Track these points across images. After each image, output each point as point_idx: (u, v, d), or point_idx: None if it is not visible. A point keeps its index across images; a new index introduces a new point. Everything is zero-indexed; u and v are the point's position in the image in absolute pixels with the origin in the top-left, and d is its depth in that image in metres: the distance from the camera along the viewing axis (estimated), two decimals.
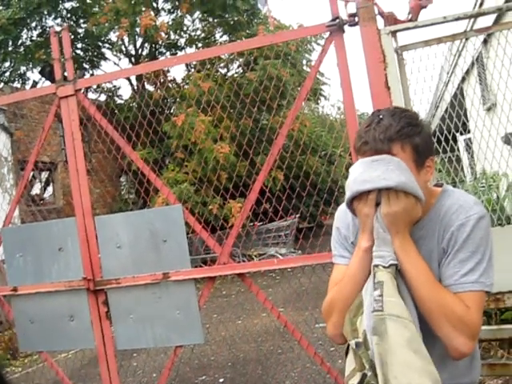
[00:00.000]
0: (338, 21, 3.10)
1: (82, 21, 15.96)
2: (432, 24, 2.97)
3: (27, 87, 15.57)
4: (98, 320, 3.65)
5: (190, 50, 16.44)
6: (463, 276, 1.52)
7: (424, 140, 1.56)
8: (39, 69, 15.12)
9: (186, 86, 14.91)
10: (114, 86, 16.81)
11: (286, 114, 10.91)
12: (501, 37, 3.13)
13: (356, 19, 3.08)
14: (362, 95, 3.61)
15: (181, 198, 10.78)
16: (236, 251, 11.50)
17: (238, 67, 16.24)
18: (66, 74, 3.76)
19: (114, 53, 16.80)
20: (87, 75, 15.89)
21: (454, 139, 3.79)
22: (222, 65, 15.95)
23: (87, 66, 16.87)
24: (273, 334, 6.62)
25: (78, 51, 16.19)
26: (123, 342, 3.66)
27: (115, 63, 17.28)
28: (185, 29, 16.23)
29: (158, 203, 10.44)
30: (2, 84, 15.18)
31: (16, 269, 3.86)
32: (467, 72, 9.57)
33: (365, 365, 1.51)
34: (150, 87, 15.78)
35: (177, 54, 16.20)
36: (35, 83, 15.80)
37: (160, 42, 15.48)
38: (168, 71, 15.22)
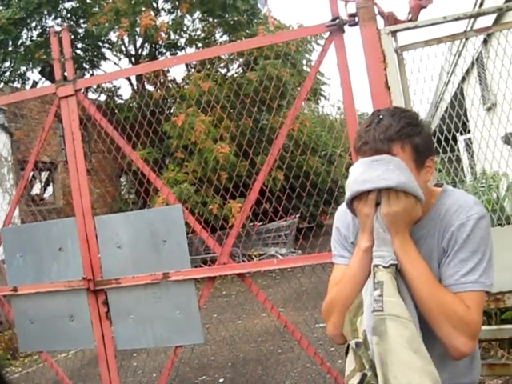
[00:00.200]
0: (337, 21, 3.10)
1: (81, 21, 15.97)
2: (432, 24, 2.97)
3: (27, 87, 15.57)
4: (98, 320, 3.65)
5: (189, 50, 16.45)
6: (463, 276, 1.52)
7: (424, 140, 1.56)
8: (39, 69, 15.11)
9: (186, 86, 14.90)
10: (114, 86, 16.82)
11: (285, 113, 10.92)
12: (501, 37, 3.13)
13: (356, 19, 3.08)
14: (362, 95, 3.62)
15: (181, 198, 10.79)
16: (236, 251, 11.49)
17: (238, 67, 16.26)
18: (65, 74, 3.76)
19: (114, 53, 16.81)
20: (87, 75, 15.89)
21: (454, 139, 3.79)
22: (222, 65, 15.96)
23: (87, 66, 16.88)
24: (273, 334, 6.61)
25: (78, 51, 16.20)
26: (123, 341, 3.66)
27: (115, 63, 17.32)
28: (185, 29, 16.22)
29: (158, 203, 10.44)
30: (2, 84, 15.18)
31: (16, 269, 3.86)
32: (467, 72, 9.56)
33: (365, 365, 1.51)
34: (150, 87, 15.79)
35: (177, 54, 16.21)
36: (35, 83, 15.80)
37: (160, 42, 15.48)
38: (168, 71, 15.22)
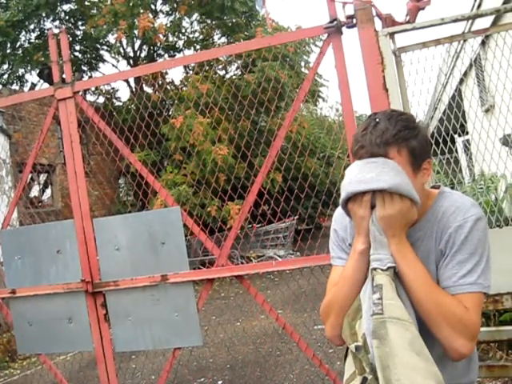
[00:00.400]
0: (335, 23, 3.10)
1: (80, 23, 15.97)
2: (430, 26, 2.97)
3: (25, 89, 15.54)
4: (97, 322, 3.65)
5: (188, 52, 16.47)
6: (462, 277, 1.52)
7: (420, 143, 1.56)
8: (37, 71, 15.11)
9: (184, 88, 14.91)
10: (113, 88, 16.82)
11: (284, 115, 10.91)
12: (499, 38, 3.13)
13: (354, 21, 3.08)
14: (360, 97, 3.62)
15: (179, 200, 10.77)
16: (234, 253, 11.49)
17: (237, 69, 16.24)
18: (64, 76, 3.76)
19: (113, 55, 16.81)
20: (85, 77, 15.91)
21: (453, 141, 3.80)
22: (220, 67, 15.94)
23: (85, 68, 16.87)
24: (271, 336, 6.61)
25: (77, 53, 16.21)
26: (122, 344, 3.66)
27: (113, 65, 17.32)
28: (183, 31, 16.23)
29: (156, 205, 10.44)
30: (1, 86, 15.17)
31: (14, 271, 3.85)
32: (465, 74, 9.58)
33: (365, 368, 1.50)
34: (148, 89, 15.80)
35: (175, 56, 16.20)
36: (33, 85, 15.80)
37: (158, 44, 15.46)
38: (166, 73, 15.23)
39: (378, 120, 1.56)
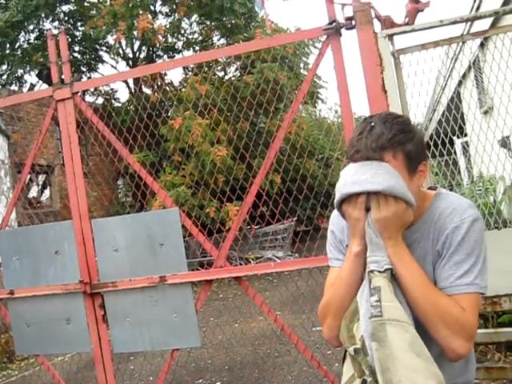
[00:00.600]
0: (334, 24, 3.11)
1: (79, 24, 15.98)
2: (429, 27, 2.98)
3: (24, 90, 15.54)
4: (95, 323, 3.65)
5: (187, 53, 16.46)
6: (458, 278, 1.52)
7: (416, 146, 1.56)
8: (36, 72, 15.11)
9: (183, 89, 14.91)
10: (112, 89, 16.83)
11: (283, 117, 10.92)
12: (497, 40, 3.14)
13: (353, 23, 3.08)
14: (359, 98, 3.62)
15: (178, 201, 10.76)
16: (233, 254, 11.49)
17: (236, 70, 16.26)
18: (63, 76, 3.76)
19: (112, 56, 16.82)
20: (84, 78, 15.91)
21: (451, 142, 3.80)
22: (219, 68, 15.95)
23: (84, 69, 16.88)
24: (270, 338, 6.61)
25: (76, 54, 16.21)
26: (120, 345, 3.65)
27: (112, 66, 17.32)
28: (182, 32, 16.24)
29: (154, 206, 10.44)
30: (0, 87, 15.17)
31: (12, 272, 3.85)
32: (464, 75, 9.58)
33: (364, 371, 1.50)
34: (147, 90, 15.80)
35: (174, 57, 16.20)
36: (32, 86, 15.78)
37: (157, 45, 15.47)
38: (165, 74, 15.23)
39: (373, 124, 1.55)
